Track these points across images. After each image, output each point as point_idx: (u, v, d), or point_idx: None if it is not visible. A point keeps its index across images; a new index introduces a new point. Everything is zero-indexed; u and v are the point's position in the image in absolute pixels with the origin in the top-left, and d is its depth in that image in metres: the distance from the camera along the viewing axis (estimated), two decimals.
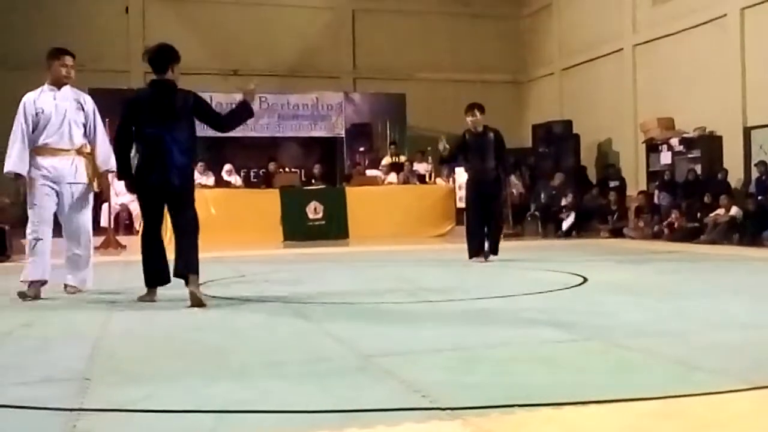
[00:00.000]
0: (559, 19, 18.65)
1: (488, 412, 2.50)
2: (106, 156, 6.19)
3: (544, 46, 19.32)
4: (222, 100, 16.55)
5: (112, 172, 6.14)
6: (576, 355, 3.44)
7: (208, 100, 18.71)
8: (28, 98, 6.04)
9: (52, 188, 5.96)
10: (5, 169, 5.89)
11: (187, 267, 5.27)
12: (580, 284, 6.23)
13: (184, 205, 5.46)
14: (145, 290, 5.60)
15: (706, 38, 14.05)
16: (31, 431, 2.46)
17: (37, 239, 5.96)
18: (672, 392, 2.68)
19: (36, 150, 5.92)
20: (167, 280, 5.55)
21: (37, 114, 5.95)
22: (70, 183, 6.05)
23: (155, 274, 5.55)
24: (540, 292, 5.72)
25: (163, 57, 5.44)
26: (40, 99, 6.02)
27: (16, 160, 5.85)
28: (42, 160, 5.93)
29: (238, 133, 16.23)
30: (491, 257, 8.55)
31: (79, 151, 6.09)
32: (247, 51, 17.81)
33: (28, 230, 6.01)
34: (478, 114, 8.65)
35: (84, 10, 17.09)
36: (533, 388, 2.81)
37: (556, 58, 18.80)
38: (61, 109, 6.01)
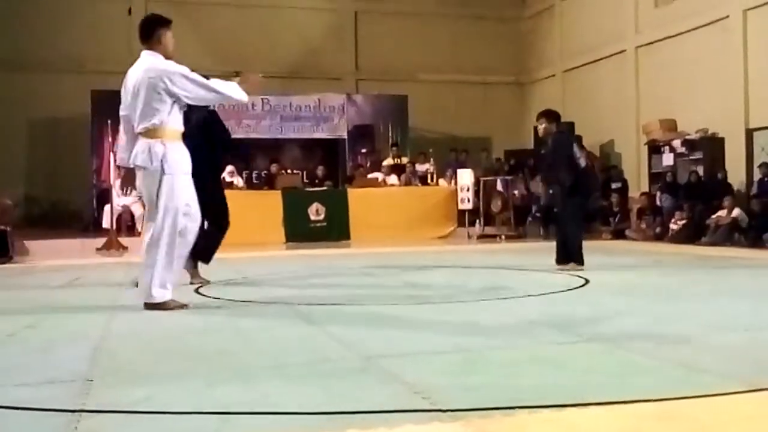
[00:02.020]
0: (561, 21, 18.65)
1: (489, 413, 2.50)
2: None
3: (546, 47, 19.32)
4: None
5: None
6: (578, 356, 3.44)
7: None
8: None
9: None
10: (238, 96, 5.20)
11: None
12: (582, 286, 6.22)
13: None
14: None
15: (708, 40, 14.04)
16: None
17: None
18: (674, 394, 2.68)
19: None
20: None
21: None
22: None
23: None
24: (542, 294, 5.71)
25: None
26: None
27: None
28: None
29: (240, 134, 16.46)
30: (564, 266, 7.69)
31: None
32: (249, 52, 17.82)
33: (155, 239, 5.06)
34: (542, 123, 8.05)
35: (86, 12, 17.12)
36: (535, 389, 2.81)
37: (558, 60, 18.80)
38: None
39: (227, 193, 13.42)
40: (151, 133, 5.02)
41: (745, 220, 11.53)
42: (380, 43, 18.84)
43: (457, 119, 18.77)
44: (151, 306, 5.00)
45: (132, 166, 5.14)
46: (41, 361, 3.56)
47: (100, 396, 2.83)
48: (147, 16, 5.44)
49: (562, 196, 7.82)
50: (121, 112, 5.24)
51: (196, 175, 5.30)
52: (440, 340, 3.86)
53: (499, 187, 15.12)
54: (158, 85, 4.99)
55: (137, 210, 13.66)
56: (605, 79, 17.01)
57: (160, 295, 5.00)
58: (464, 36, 19.38)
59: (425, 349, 3.65)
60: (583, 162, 7.85)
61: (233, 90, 5.20)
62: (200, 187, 5.51)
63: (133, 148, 5.09)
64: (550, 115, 8.03)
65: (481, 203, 14.52)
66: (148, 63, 5.13)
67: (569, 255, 7.72)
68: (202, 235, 5.87)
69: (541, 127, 8.05)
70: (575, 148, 7.90)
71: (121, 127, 5.36)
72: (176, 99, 5.04)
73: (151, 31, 5.24)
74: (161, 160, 4.98)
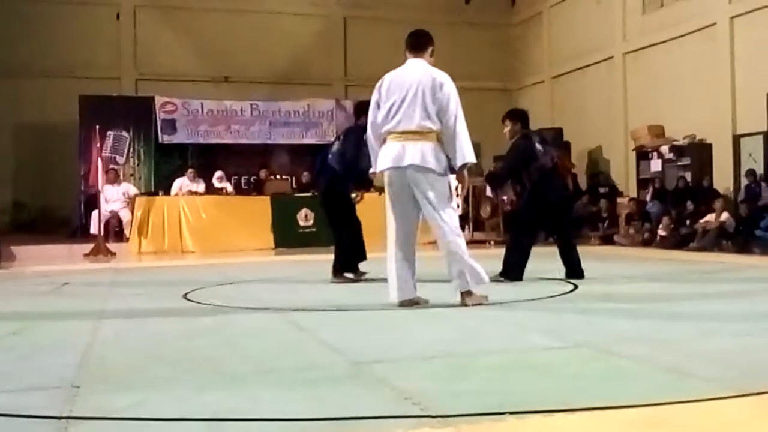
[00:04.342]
0: (550, 27, 18.73)
1: (479, 419, 2.49)
2: None
3: (534, 54, 19.38)
4: (213, 107, 16.56)
5: None
6: (567, 362, 3.44)
7: (199, 107, 18.67)
8: None
9: None
10: (473, 160, 5.23)
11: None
12: (571, 291, 6.23)
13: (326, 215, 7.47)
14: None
15: (695, 47, 14.13)
16: None
17: None
18: (663, 400, 2.67)
19: None
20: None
21: None
22: None
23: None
24: (530, 300, 5.72)
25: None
26: None
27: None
28: None
29: (229, 140, 16.43)
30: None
31: None
32: (238, 58, 17.81)
33: (458, 232, 5.30)
34: (506, 124, 7.55)
35: (74, 17, 17.04)
36: (524, 395, 2.80)
37: (547, 66, 18.87)
38: None
39: (216, 198, 13.64)
40: (427, 135, 5.15)
41: (733, 224, 11.60)
42: (369, 49, 18.82)
43: None
44: (467, 295, 5.23)
45: (405, 165, 5.10)
46: (27, 367, 3.53)
47: (88, 402, 2.80)
48: (421, 31, 5.87)
49: (522, 203, 7.49)
50: (378, 120, 5.40)
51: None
52: (430, 346, 3.85)
53: (489, 192, 15.13)
54: (437, 89, 5.23)
55: (125, 216, 13.60)
56: (593, 86, 17.08)
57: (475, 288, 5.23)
58: (453, 42, 19.34)
59: (415, 354, 3.64)
60: (548, 164, 7.39)
61: (469, 142, 5.19)
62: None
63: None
64: (514, 116, 7.53)
65: (470, 209, 14.53)
66: (425, 67, 5.44)
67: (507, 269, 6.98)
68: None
69: (506, 129, 7.50)
70: (537, 150, 7.31)
71: (371, 135, 5.46)
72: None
73: (426, 44, 5.70)
74: (445, 162, 5.15)
